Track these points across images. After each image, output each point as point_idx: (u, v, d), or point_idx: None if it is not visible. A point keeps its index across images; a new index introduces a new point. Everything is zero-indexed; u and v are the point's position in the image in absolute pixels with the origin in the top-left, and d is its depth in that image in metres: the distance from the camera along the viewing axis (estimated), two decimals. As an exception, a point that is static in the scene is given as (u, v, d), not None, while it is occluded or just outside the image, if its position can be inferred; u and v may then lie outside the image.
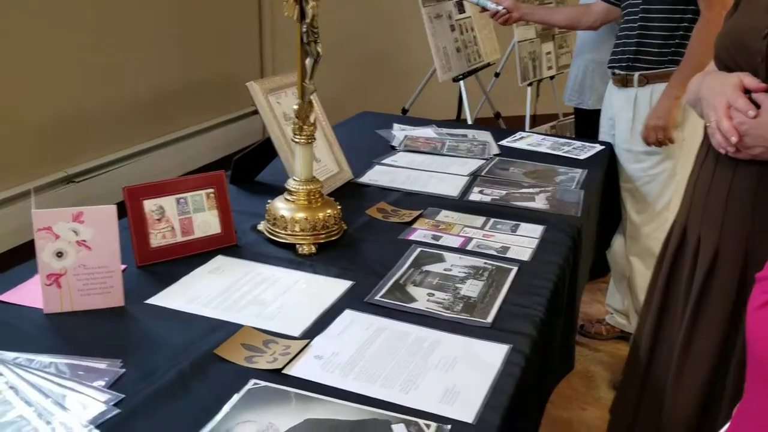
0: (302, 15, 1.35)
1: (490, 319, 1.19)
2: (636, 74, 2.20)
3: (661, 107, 2.09)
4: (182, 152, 3.69)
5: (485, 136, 2.39)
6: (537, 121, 3.94)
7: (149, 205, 1.34)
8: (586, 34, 2.89)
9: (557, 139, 2.41)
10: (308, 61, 1.40)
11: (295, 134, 1.46)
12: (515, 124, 4.12)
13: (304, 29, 1.35)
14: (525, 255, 1.45)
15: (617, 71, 2.27)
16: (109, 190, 3.16)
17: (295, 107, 1.44)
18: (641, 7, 2.15)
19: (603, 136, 2.45)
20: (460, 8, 3.12)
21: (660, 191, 2.22)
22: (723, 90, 1.17)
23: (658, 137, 2.10)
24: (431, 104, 4.01)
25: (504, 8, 2.59)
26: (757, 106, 1.12)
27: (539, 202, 1.77)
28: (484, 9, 2.68)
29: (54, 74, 2.96)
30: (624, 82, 2.25)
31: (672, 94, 2.07)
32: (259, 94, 1.65)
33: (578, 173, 2.02)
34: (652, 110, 2.13)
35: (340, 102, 3.59)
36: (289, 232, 1.45)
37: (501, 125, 3.68)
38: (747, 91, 1.15)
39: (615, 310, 2.60)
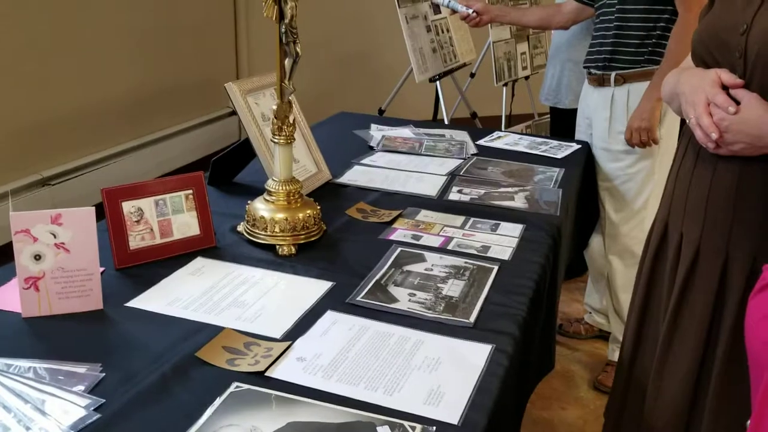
0: (281, 15, 1.34)
1: (472, 318, 1.19)
2: (613, 74, 2.22)
3: (644, 108, 2.11)
4: (159, 154, 3.65)
5: (462, 135, 2.40)
6: (512, 120, 3.96)
7: (128, 206, 1.33)
8: (561, 35, 2.91)
9: (534, 138, 2.43)
10: (287, 62, 1.39)
11: (274, 134, 1.45)
12: (491, 124, 4.14)
13: (283, 30, 1.35)
14: (505, 254, 1.46)
15: (593, 71, 2.28)
16: (86, 193, 3.12)
17: (274, 107, 1.44)
18: (617, 6, 2.17)
19: (580, 135, 2.47)
20: (436, 9, 3.13)
21: (638, 190, 2.24)
22: (701, 86, 1.18)
23: (642, 139, 2.13)
24: (408, 104, 4.02)
25: (474, 11, 2.60)
26: (737, 102, 1.14)
27: (518, 202, 1.78)
28: (454, 11, 2.69)
29: (29, 77, 2.91)
30: (600, 82, 2.27)
31: (653, 96, 2.07)
32: (238, 95, 1.64)
33: (556, 172, 2.04)
34: (635, 112, 2.14)
35: (317, 102, 3.59)
36: (269, 233, 1.44)
37: (477, 125, 3.70)
38: (725, 88, 1.17)
39: (593, 309, 2.62)
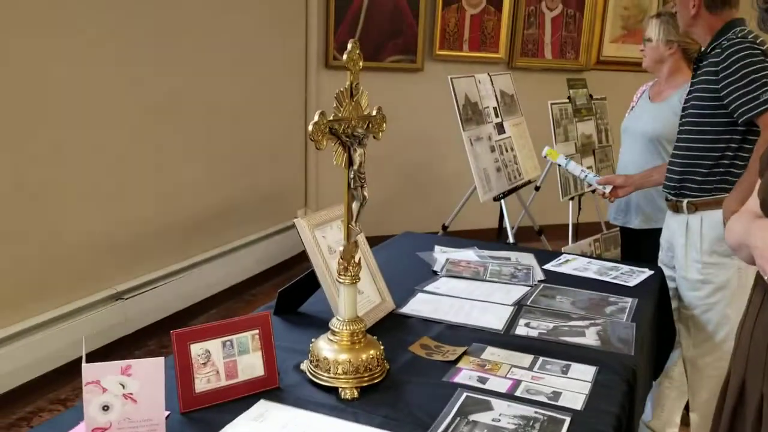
0: (350, 162, 1.38)
1: (543, 484, 1.13)
2: (684, 201, 2.21)
3: None
4: (227, 266, 3.75)
5: (528, 259, 2.37)
6: (579, 231, 3.91)
7: (196, 349, 1.34)
8: (629, 153, 2.89)
9: (604, 263, 2.37)
10: (354, 205, 1.42)
11: (340, 275, 1.46)
12: (557, 234, 4.10)
13: (352, 176, 1.39)
14: (578, 403, 1.39)
15: (669, 197, 2.28)
16: (157, 306, 3.21)
17: (341, 249, 1.45)
18: (684, 136, 2.18)
19: (662, 257, 2.42)
20: (500, 129, 3.19)
21: (719, 321, 2.16)
22: None
23: None
24: (472, 216, 4.04)
25: (613, 187, 2.58)
26: None
27: (590, 338, 1.72)
28: (590, 186, 2.71)
29: (104, 194, 3.08)
30: (676, 209, 2.26)
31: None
32: (306, 230, 1.68)
33: (628, 303, 1.96)
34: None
35: (381, 214, 3.64)
36: (332, 375, 1.43)
37: (544, 241, 3.66)
38: None
39: (643, 423, 2.47)
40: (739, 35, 2.02)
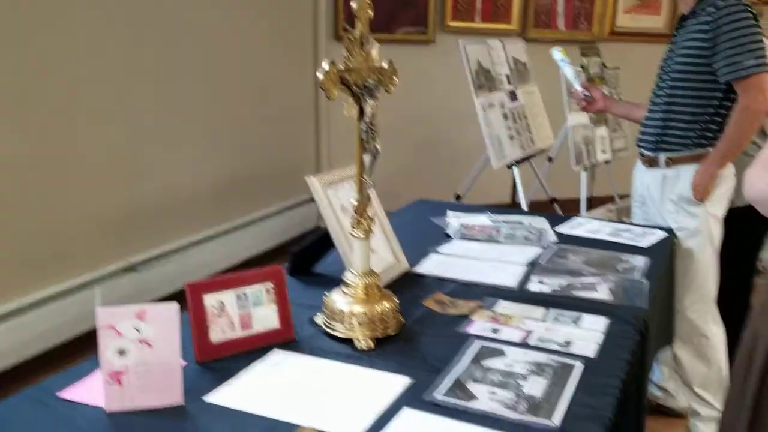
0: (362, 113, 1.38)
1: (557, 420, 1.13)
2: (662, 156, 2.27)
3: (700, 180, 2.19)
4: (241, 240, 3.76)
5: (541, 222, 2.36)
6: (593, 203, 3.89)
7: (210, 300, 1.36)
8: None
9: (617, 225, 2.37)
10: (366, 157, 1.42)
11: (353, 228, 1.47)
12: (571, 207, 4.08)
13: (364, 128, 1.39)
14: (590, 350, 1.40)
15: (645, 152, 2.33)
16: (170, 278, 3.23)
17: (354, 202, 1.46)
18: (667, 92, 2.23)
19: (635, 213, 2.50)
20: (513, 97, 3.17)
21: (695, 266, 2.24)
22: None
23: (697, 197, 2.21)
24: (485, 189, 4.02)
25: (590, 95, 2.60)
26: None
27: (602, 293, 1.72)
28: (571, 88, 2.72)
29: (117, 166, 3.09)
30: (651, 163, 2.32)
31: (709, 172, 2.17)
32: (318, 188, 1.69)
33: (641, 261, 1.96)
34: (694, 178, 2.21)
35: (395, 186, 3.63)
36: (347, 326, 1.44)
37: (557, 210, 3.65)
38: None
39: (652, 383, 2.50)
40: None
